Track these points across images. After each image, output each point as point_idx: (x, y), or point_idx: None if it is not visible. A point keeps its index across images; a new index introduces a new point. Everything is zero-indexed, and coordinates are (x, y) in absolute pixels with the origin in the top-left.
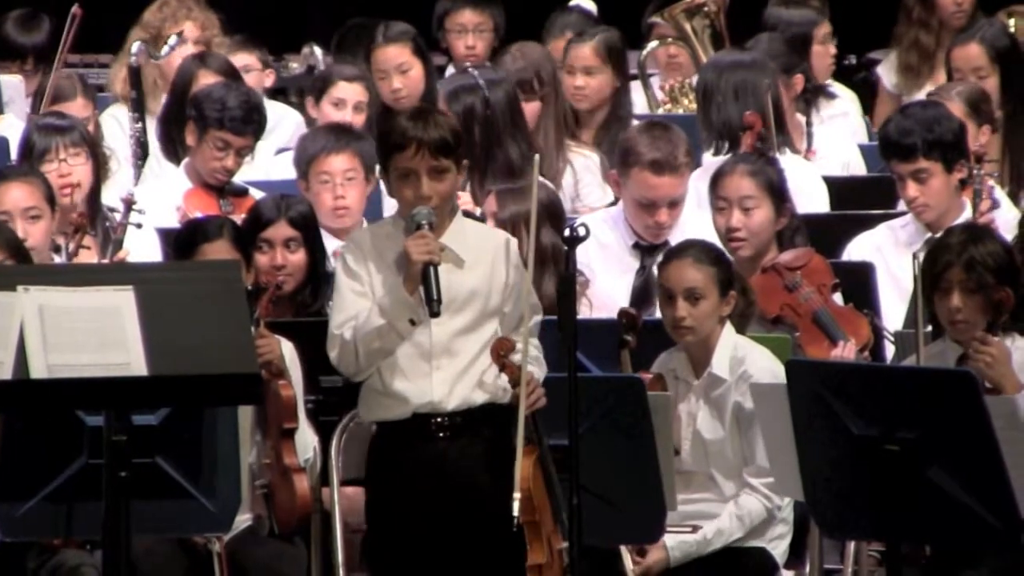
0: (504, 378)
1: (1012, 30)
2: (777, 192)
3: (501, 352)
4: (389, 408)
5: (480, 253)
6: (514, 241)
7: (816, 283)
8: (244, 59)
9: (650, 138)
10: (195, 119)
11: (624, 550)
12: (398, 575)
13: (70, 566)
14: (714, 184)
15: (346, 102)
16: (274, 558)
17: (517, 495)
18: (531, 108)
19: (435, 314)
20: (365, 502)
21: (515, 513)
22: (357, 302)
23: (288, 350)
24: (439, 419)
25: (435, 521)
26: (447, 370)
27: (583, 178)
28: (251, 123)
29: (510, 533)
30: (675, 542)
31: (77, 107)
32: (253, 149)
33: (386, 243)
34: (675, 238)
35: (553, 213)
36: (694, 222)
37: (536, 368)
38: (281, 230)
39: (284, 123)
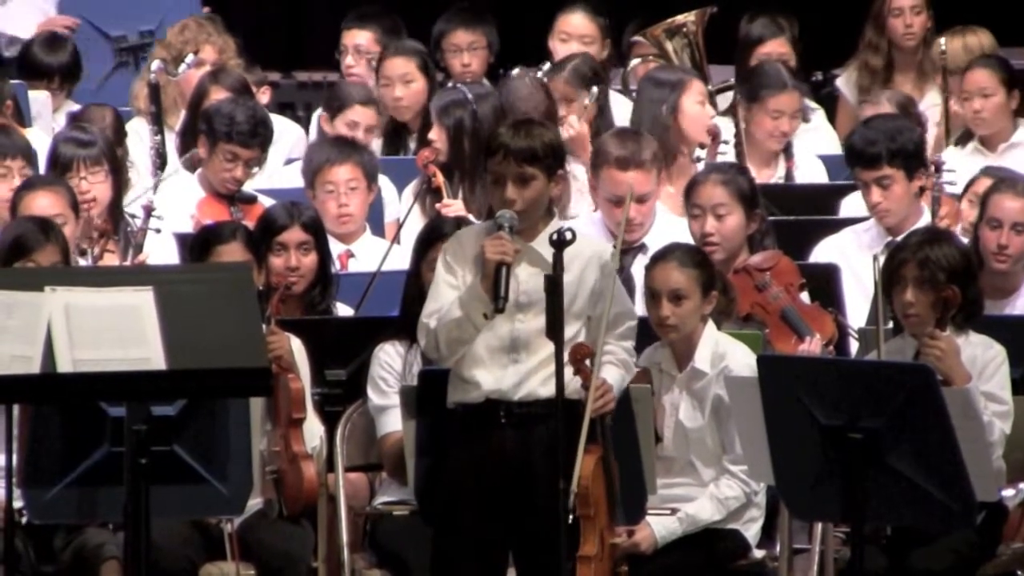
0: (578, 380)
1: (943, 50)
2: (748, 199)
3: (578, 356)
4: (466, 392)
5: (572, 259)
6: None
7: (784, 283)
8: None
9: (618, 140)
10: (206, 133)
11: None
12: (453, 545)
13: (93, 544)
14: (688, 192)
15: (359, 124)
16: (283, 538)
17: (574, 490)
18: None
19: (499, 310)
20: (430, 470)
21: (570, 507)
22: (447, 294)
23: (297, 346)
24: (505, 407)
25: (491, 501)
26: (523, 364)
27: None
28: (257, 136)
29: (563, 523)
30: (659, 523)
31: None
32: (261, 160)
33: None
34: (653, 241)
35: None
36: (673, 226)
37: (620, 371)
38: (295, 234)
39: (285, 136)
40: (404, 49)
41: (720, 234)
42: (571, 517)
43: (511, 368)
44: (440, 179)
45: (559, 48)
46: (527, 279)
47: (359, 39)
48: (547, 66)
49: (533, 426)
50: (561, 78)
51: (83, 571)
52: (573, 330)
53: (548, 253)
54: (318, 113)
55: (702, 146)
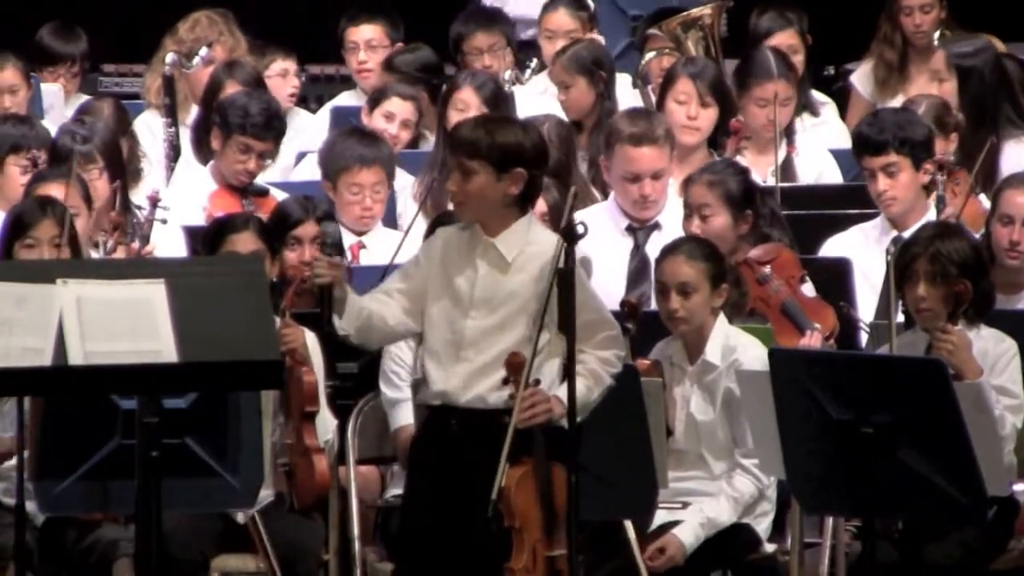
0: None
1: None
2: (736, 201)
3: (510, 365)
4: (423, 391)
5: (533, 257)
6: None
7: (785, 276)
8: (284, 65)
9: (629, 118)
10: (219, 125)
11: (632, 538)
12: (403, 549)
13: (107, 541)
14: (684, 190)
15: (395, 116)
16: (294, 531)
17: (494, 499)
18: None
19: (327, 333)
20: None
21: (489, 515)
22: (392, 283)
23: (311, 339)
24: (456, 415)
25: (438, 507)
26: (470, 363)
27: None
28: (271, 129)
29: (493, 534)
30: (682, 531)
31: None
32: (274, 153)
33: (454, 245)
34: (667, 220)
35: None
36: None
37: (587, 381)
38: (309, 228)
39: (307, 129)
40: (401, 92)
41: (705, 235)
42: (494, 527)
43: (459, 366)
44: None
45: (547, 46)
46: (485, 275)
47: (368, 34)
48: (534, 63)
49: (479, 437)
50: (558, 63)
51: (97, 568)
52: (522, 331)
53: (509, 252)
54: (329, 106)
55: (714, 141)
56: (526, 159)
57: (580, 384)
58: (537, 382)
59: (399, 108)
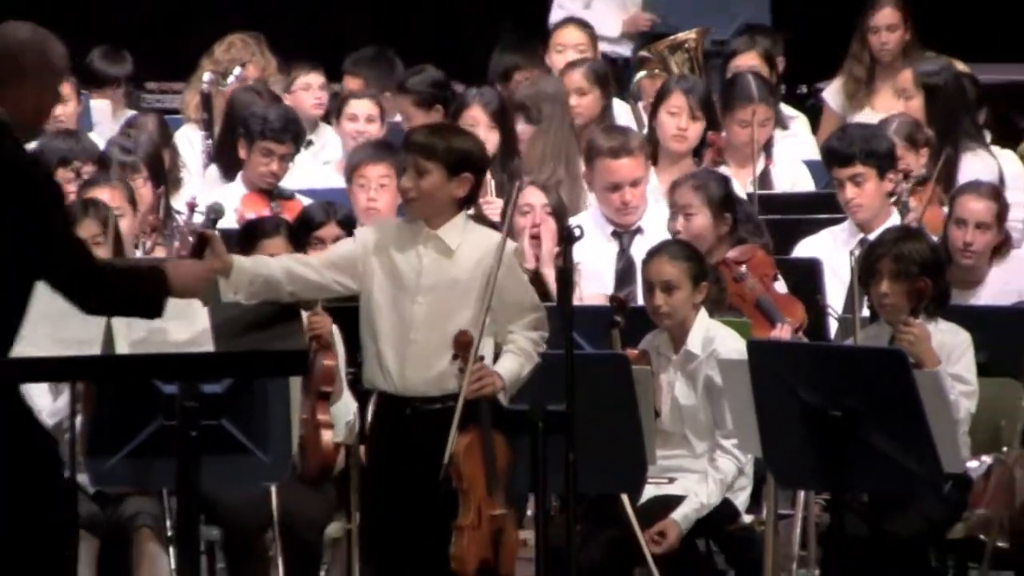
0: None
1: None
2: (717, 203)
3: (459, 342)
4: (376, 373)
5: (473, 248)
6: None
7: (759, 274)
8: (307, 79)
9: (606, 133)
10: (243, 135)
11: (629, 511)
12: (370, 521)
13: (128, 514)
14: (670, 192)
15: (358, 116)
16: (300, 501)
17: (445, 463)
18: (525, 130)
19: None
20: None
21: (440, 478)
22: (318, 256)
23: (336, 330)
24: (410, 401)
25: (393, 481)
26: (418, 346)
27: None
28: (288, 132)
29: (444, 496)
30: (680, 517)
31: None
32: (294, 155)
33: (395, 236)
34: (648, 224)
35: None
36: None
37: (519, 359)
38: (331, 230)
39: (333, 143)
40: (355, 94)
41: (687, 232)
42: (444, 490)
43: (410, 348)
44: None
45: (556, 59)
46: (430, 263)
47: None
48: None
49: (433, 420)
50: (579, 71)
51: (120, 540)
52: (466, 314)
53: (452, 241)
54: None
55: (697, 151)
56: (474, 165)
57: (514, 362)
58: (482, 358)
59: (357, 107)
